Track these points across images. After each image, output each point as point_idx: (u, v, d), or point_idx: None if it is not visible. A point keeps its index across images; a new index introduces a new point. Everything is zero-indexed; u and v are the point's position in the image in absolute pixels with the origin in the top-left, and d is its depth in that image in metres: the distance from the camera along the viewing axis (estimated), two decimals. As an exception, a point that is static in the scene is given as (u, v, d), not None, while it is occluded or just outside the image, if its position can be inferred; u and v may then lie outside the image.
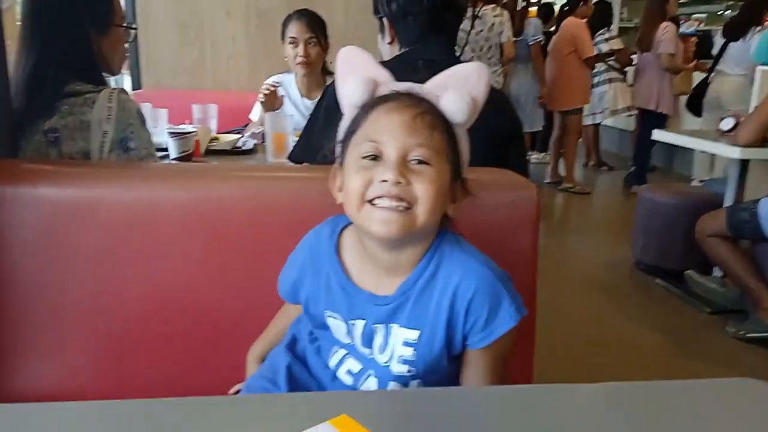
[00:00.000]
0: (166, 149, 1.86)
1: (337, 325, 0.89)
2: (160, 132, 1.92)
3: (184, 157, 1.83)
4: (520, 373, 1.18)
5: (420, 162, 0.80)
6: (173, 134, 1.79)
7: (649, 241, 3.34)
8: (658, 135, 3.34)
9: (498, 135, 1.41)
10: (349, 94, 0.86)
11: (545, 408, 0.71)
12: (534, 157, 6.43)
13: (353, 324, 0.87)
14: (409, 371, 0.86)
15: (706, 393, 0.78)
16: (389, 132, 0.80)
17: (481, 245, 1.15)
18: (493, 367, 0.88)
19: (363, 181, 0.80)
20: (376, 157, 0.81)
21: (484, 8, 4.22)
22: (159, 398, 0.68)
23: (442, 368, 0.87)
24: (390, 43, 1.53)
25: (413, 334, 0.85)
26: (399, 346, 0.86)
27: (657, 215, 3.28)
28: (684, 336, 2.73)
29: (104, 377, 1.13)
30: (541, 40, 5.09)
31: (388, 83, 0.87)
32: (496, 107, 1.49)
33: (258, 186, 1.15)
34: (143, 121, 1.44)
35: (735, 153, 2.72)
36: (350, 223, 0.89)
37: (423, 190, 0.80)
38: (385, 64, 1.54)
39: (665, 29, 4.86)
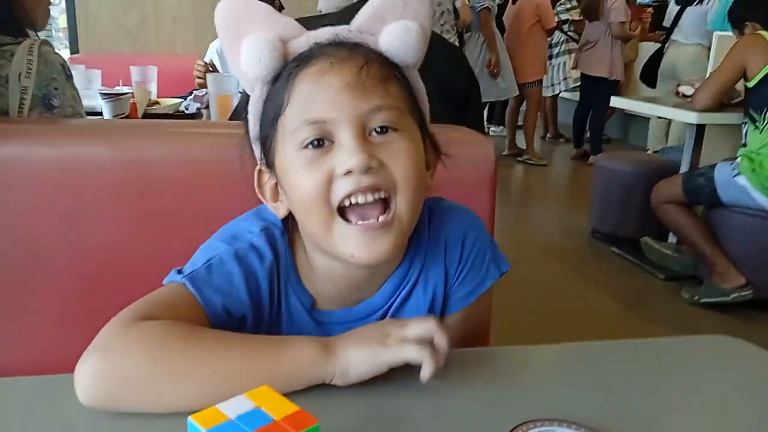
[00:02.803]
0: (100, 113, 1.73)
1: None
2: (94, 95, 1.78)
3: (121, 121, 1.70)
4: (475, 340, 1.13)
5: (384, 130, 0.60)
6: (106, 95, 1.66)
7: (606, 209, 3.35)
8: (615, 101, 3.32)
9: (454, 92, 1.35)
10: (252, 65, 0.62)
11: (506, 369, 0.65)
12: (492, 129, 6.40)
13: None
14: None
15: (679, 350, 0.74)
16: (332, 103, 0.59)
17: (435, 204, 1.09)
18: (464, 339, 0.74)
19: (318, 179, 0.59)
20: (321, 142, 0.60)
21: (436, -29, 4.09)
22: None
23: None
24: None
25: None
26: None
27: (613, 183, 3.28)
28: (639, 302, 2.74)
29: (23, 352, 1.03)
30: (488, 7, 4.93)
31: (300, 37, 0.63)
32: (452, 63, 1.43)
33: (191, 143, 1.05)
34: (69, 76, 1.31)
35: (692, 118, 2.72)
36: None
37: (402, 168, 0.60)
38: (327, 17, 1.46)
39: None
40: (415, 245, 0.69)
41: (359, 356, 0.56)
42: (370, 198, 0.59)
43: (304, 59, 0.61)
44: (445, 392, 0.58)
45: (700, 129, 2.90)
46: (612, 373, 0.66)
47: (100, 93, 1.68)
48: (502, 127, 6.34)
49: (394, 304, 0.69)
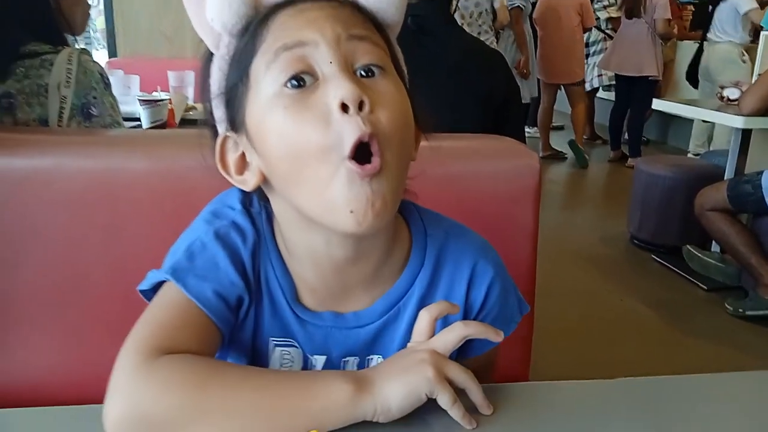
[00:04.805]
0: (138, 119, 1.74)
1: (289, 359, 0.63)
2: (133, 100, 1.79)
3: (158, 127, 1.71)
4: (517, 349, 1.10)
5: (370, 73, 0.53)
6: (144, 102, 1.66)
7: (646, 215, 3.26)
8: (657, 104, 3.23)
9: (493, 99, 1.32)
10: (218, 13, 0.54)
11: (547, 404, 0.62)
12: (527, 131, 6.32)
13: (312, 359, 0.63)
14: None
15: (729, 385, 0.69)
16: (312, 25, 0.53)
17: (478, 217, 1.05)
18: (485, 374, 0.70)
19: (307, 123, 0.51)
20: (302, 81, 0.52)
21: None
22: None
23: None
24: None
25: None
26: None
27: (654, 189, 3.20)
28: (680, 313, 2.66)
29: (65, 365, 1.03)
30: (519, 6, 4.82)
31: None
32: (491, 68, 1.40)
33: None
34: (107, 85, 1.32)
35: (738, 122, 2.63)
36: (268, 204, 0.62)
37: (391, 116, 0.52)
38: None
39: None
40: (420, 259, 0.63)
41: (399, 391, 0.52)
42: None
43: (279, 5, 0.55)
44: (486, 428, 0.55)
45: (747, 133, 2.81)
46: (656, 411, 0.61)
47: (139, 100, 1.69)
48: (536, 128, 6.25)
49: (393, 323, 0.62)
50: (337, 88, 0.50)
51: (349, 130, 0.50)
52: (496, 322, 0.64)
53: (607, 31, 5.54)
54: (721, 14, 4.27)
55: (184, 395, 0.51)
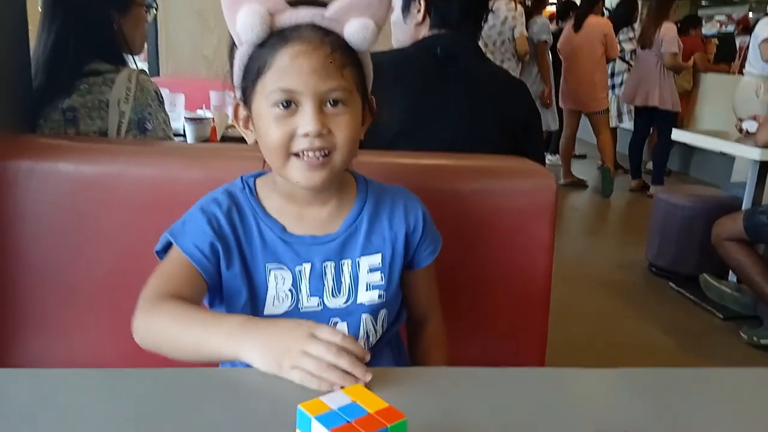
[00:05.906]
0: (183, 134, 1.86)
1: (281, 278, 0.86)
2: (177, 117, 1.92)
3: (201, 142, 1.83)
4: (532, 364, 1.17)
5: (336, 103, 0.80)
6: (190, 119, 1.79)
7: (664, 244, 3.31)
8: (677, 135, 3.30)
9: (515, 124, 1.40)
10: (245, 31, 0.79)
11: (560, 389, 0.71)
12: (548, 158, 6.38)
13: (300, 270, 0.86)
14: (379, 296, 0.89)
15: (728, 381, 0.77)
16: (300, 80, 0.78)
17: (496, 232, 1.15)
18: (434, 287, 0.99)
19: (283, 134, 0.79)
20: (289, 104, 0.79)
21: (497, 1, 4.14)
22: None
23: (397, 293, 0.93)
24: (419, 24, 1.46)
25: (376, 258, 0.89)
26: (365, 274, 0.88)
27: (673, 218, 3.25)
28: (696, 341, 2.70)
29: (117, 353, 1.12)
30: (545, 40, 4.94)
31: (285, 11, 0.80)
32: (514, 95, 1.48)
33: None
34: (161, 103, 1.44)
35: (755, 154, 2.69)
36: (256, 177, 0.91)
37: (342, 136, 0.80)
38: (400, 51, 1.53)
39: (667, 28, 4.85)
40: (364, 197, 0.90)
41: (258, 359, 0.69)
42: (318, 154, 0.80)
43: (285, 38, 0.79)
44: (499, 408, 0.64)
45: (764, 165, 2.86)
46: (666, 399, 0.69)
47: (185, 117, 1.82)
48: (557, 155, 6.32)
49: (353, 236, 0.88)
50: (308, 124, 0.78)
51: (303, 145, 0.79)
52: (432, 238, 0.94)
53: (631, 62, 5.62)
54: (749, 46, 4.32)
55: (171, 327, 0.76)
